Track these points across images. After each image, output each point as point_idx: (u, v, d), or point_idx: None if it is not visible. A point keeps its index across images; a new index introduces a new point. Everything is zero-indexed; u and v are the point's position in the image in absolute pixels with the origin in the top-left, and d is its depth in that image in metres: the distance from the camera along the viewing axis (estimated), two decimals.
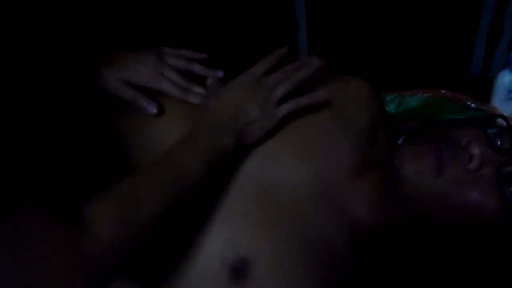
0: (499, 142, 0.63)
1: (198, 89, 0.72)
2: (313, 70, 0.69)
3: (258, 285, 0.58)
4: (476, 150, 0.61)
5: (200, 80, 0.73)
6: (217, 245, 0.60)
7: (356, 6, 1.24)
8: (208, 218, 0.62)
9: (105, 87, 0.68)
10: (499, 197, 0.59)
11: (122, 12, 0.87)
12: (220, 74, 0.73)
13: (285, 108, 0.67)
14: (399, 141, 0.86)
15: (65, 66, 0.67)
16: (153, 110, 0.68)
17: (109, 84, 0.68)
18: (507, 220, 0.60)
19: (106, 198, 0.50)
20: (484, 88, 1.01)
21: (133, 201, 0.51)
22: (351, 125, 0.73)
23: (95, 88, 0.69)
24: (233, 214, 0.62)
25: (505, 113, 0.93)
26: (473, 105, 0.97)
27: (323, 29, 1.26)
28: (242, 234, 0.60)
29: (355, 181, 0.68)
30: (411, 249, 0.71)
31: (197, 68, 0.73)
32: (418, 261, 0.71)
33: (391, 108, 1.03)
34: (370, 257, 0.69)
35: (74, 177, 0.60)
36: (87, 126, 0.68)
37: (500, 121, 0.64)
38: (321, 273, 0.60)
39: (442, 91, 1.01)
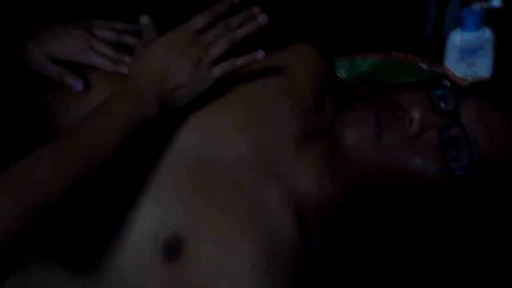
0: (442, 105, 0.59)
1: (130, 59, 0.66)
2: (257, 27, 0.64)
3: (193, 262, 0.55)
4: (416, 114, 0.57)
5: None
6: (148, 223, 0.57)
7: None
8: (138, 194, 0.59)
9: (29, 63, 0.64)
10: (441, 163, 0.56)
11: None
12: None
13: (219, 70, 0.63)
14: None
15: None
16: (79, 87, 0.64)
17: (34, 59, 0.64)
18: (449, 186, 0.58)
19: (1, 178, 0.45)
20: (437, 48, 0.97)
21: (29, 184, 0.46)
22: (295, 93, 0.70)
23: (19, 64, 0.64)
24: (164, 188, 0.59)
25: (458, 74, 0.92)
26: (424, 66, 0.95)
27: None
28: (174, 210, 0.58)
29: (298, 152, 0.66)
30: (363, 227, 0.68)
31: (130, 40, 0.69)
32: (370, 237, 0.68)
33: (342, 73, 1.00)
34: (326, 237, 0.66)
35: None
36: (13, 104, 0.64)
37: (445, 82, 0.60)
38: (262, 247, 0.57)
39: (393, 54, 0.98)
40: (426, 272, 0.67)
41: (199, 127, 0.64)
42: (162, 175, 0.60)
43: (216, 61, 0.63)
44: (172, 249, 0.56)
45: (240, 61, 0.64)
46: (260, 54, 0.63)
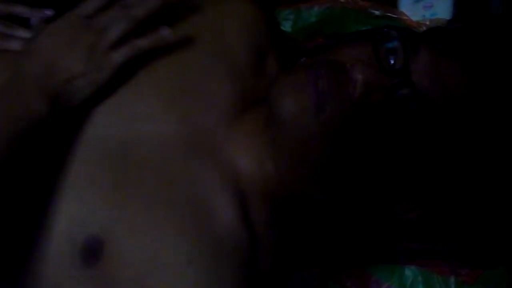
0: (392, 61, 0.52)
1: (24, 33, 0.60)
2: (161, 4, 0.57)
3: (117, 264, 0.51)
4: (359, 75, 0.51)
5: None
6: (63, 225, 0.53)
7: None
8: (50, 194, 0.54)
9: None
10: (393, 129, 0.52)
11: None
12: (48, 13, 0.61)
13: (119, 55, 0.56)
14: None
15: None
16: None
17: None
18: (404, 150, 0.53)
19: None
20: None
21: None
22: (228, 57, 0.64)
23: None
24: (80, 183, 0.54)
25: (414, 18, 0.86)
26: (377, 12, 0.87)
27: None
28: (91, 207, 0.53)
29: (233, 125, 0.60)
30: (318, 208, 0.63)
31: (20, 10, 0.62)
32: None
33: (286, 26, 0.92)
34: (275, 221, 0.60)
35: None
36: None
37: (393, 33, 0.53)
38: (198, 239, 0.53)
39: (341, 0, 0.90)
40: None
41: (118, 112, 0.57)
42: (76, 169, 0.55)
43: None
44: (92, 252, 0.51)
45: (143, 43, 0.56)
46: (165, 30, 0.57)
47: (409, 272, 0.71)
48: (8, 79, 0.54)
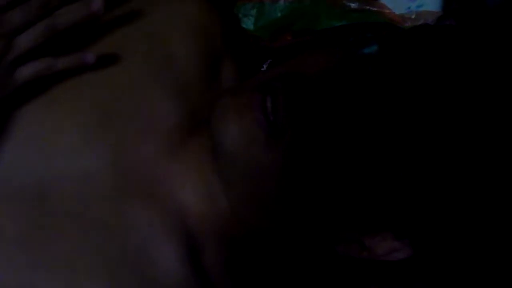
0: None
1: None
2: (89, 15, 0.48)
3: None
4: None
5: None
6: None
7: None
8: None
9: None
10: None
11: None
12: None
13: (28, 71, 0.48)
14: (262, 70, 0.74)
15: None
16: None
17: None
18: None
19: None
20: None
21: None
22: (170, 69, 0.56)
23: None
24: None
25: (397, 11, 0.79)
26: (353, 5, 0.79)
27: None
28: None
29: (177, 154, 0.52)
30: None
31: None
32: None
33: (248, 23, 0.84)
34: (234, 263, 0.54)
35: None
36: None
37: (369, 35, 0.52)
38: None
39: None
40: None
41: (29, 143, 0.50)
42: None
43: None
44: None
45: (60, 64, 0.49)
46: (90, 57, 0.50)
47: None
48: None
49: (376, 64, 0.48)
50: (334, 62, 0.48)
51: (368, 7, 0.79)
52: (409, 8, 0.79)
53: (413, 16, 0.77)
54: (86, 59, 0.50)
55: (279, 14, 0.83)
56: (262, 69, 0.71)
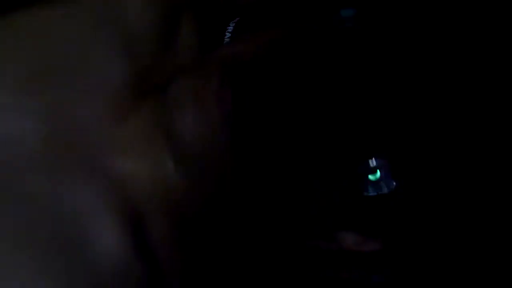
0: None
1: None
2: None
3: None
4: None
5: None
6: None
7: None
8: None
9: None
10: None
11: None
12: None
13: None
14: (228, 29, 0.62)
15: None
16: None
17: None
18: None
19: None
20: None
21: None
22: (119, 24, 0.47)
23: None
24: None
25: None
26: None
27: None
28: None
29: (123, 118, 0.46)
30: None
31: None
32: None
33: None
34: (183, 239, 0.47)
35: None
36: None
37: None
38: (71, 278, 0.42)
39: None
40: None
41: None
42: None
43: None
44: None
45: None
46: None
47: None
48: None
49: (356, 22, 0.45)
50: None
51: None
52: None
53: None
54: None
55: None
56: (228, 29, 0.62)
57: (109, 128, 0.46)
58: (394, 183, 0.47)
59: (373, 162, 0.47)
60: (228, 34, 0.59)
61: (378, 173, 0.46)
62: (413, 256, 0.52)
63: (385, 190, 0.47)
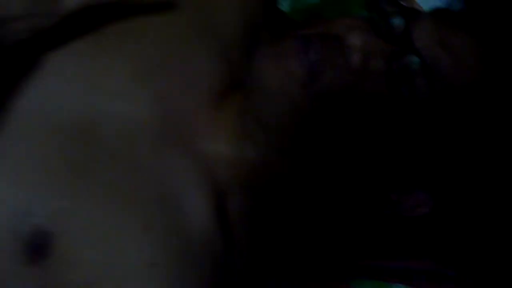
0: (389, 30, 0.50)
1: None
2: None
3: (67, 263, 0.45)
4: (357, 40, 0.48)
5: None
6: (5, 214, 0.46)
7: None
8: None
9: None
10: (392, 99, 0.48)
11: None
12: None
13: (70, 1, 0.46)
14: None
15: None
16: None
17: None
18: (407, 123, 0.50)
19: None
20: None
21: None
22: (215, 32, 0.57)
23: None
24: (26, 165, 0.47)
25: (426, 7, 0.73)
26: None
27: None
28: (40, 195, 0.46)
29: (214, 109, 0.54)
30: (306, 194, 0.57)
31: None
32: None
33: (283, 4, 0.84)
34: (255, 213, 0.55)
35: None
36: None
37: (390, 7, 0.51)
38: (163, 238, 0.48)
39: None
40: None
41: (77, 80, 0.50)
42: (21, 147, 0.47)
43: None
44: (38, 248, 0.45)
45: None
46: None
47: None
48: None
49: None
50: (358, 22, 0.50)
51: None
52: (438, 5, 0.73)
53: None
54: None
55: (315, 0, 0.85)
56: None
57: (205, 116, 0.54)
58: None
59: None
60: None
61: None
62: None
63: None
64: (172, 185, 0.50)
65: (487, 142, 0.51)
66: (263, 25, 0.64)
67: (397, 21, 0.50)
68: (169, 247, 0.47)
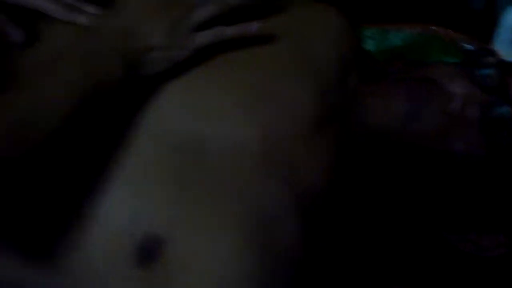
0: (486, 80, 0.53)
1: (91, 9, 0.57)
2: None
3: (173, 269, 0.49)
4: (456, 88, 0.53)
5: None
6: (121, 217, 0.50)
7: None
8: (108, 179, 0.51)
9: None
10: (485, 145, 0.53)
11: None
12: None
13: (202, 38, 0.54)
14: None
15: None
16: (18, 37, 0.55)
17: None
18: (488, 167, 0.53)
19: None
20: (486, 27, 0.89)
21: None
22: (314, 66, 0.61)
23: None
24: (143, 174, 0.52)
25: (510, 58, 0.78)
26: (468, 46, 0.83)
27: None
28: (155, 202, 0.51)
29: (312, 138, 0.57)
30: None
31: None
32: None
33: (370, 45, 0.90)
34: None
35: None
36: None
37: (489, 59, 0.56)
38: (257, 252, 0.51)
39: (433, 28, 0.87)
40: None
41: (191, 103, 0.55)
42: (140, 158, 0.52)
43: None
44: (149, 251, 0.49)
45: (229, 31, 0.55)
46: (254, 27, 0.55)
47: None
48: (87, 37, 0.53)
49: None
50: (456, 72, 0.54)
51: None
52: None
53: None
54: (251, 28, 0.55)
55: (399, 42, 0.89)
56: None
57: (305, 143, 0.57)
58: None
59: None
60: None
61: None
62: None
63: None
64: (268, 205, 0.53)
65: None
66: (353, 62, 0.66)
67: (492, 72, 0.54)
68: (263, 263, 0.51)
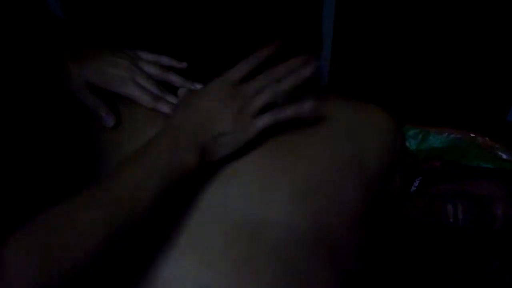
0: None
1: (172, 98, 0.63)
2: (303, 78, 0.59)
3: None
4: (498, 211, 0.56)
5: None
6: (176, 274, 0.53)
7: (387, 27, 1.11)
8: (179, 255, 0.55)
9: (70, 87, 0.62)
10: None
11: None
12: (198, 87, 0.64)
13: (261, 121, 0.57)
14: (415, 184, 0.80)
15: (27, 61, 0.61)
16: (110, 122, 0.61)
17: (72, 82, 0.61)
18: None
19: (29, 232, 0.42)
20: None
21: (62, 238, 0.43)
22: (362, 162, 0.62)
23: (61, 88, 0.62)
24: (211, 251, 0.55)
25: None
26: (504, 155, 0.87)
27: (348, 49, 1.15)
28: (217, 275, 0.54)
29: (355, 230, 0.59)
30: None
31: (174, 79, 0.65)
32: None
33: (411, 144, 0.94)
34: None
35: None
36: (51, 131, 0.62)
37: None
38: None
39: (472, 135, 0.91)
40: None
41: (254, 190, 0.58)
42: (204, 236, 0.55)
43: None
44: None
45: (286, 113, 0.58)
46: (308, 105, 0.57)
47: None
48: (162, 135, 0.56)
49: None
50: (501, 191, 0.58)
51: None
52: None
53: None
54: (305, 107, 0.57)
55: (439, 144, 0.93)
56: (414, 184, 0.78)
57: (349, 235, 0.59)
58: None
59: None
60: (416, 183, 0.76)
61: None
62: None
63: None
64: (314, 280, 0.55)
65: None
66: (398, 163, 0.68)
67: None
68: None
